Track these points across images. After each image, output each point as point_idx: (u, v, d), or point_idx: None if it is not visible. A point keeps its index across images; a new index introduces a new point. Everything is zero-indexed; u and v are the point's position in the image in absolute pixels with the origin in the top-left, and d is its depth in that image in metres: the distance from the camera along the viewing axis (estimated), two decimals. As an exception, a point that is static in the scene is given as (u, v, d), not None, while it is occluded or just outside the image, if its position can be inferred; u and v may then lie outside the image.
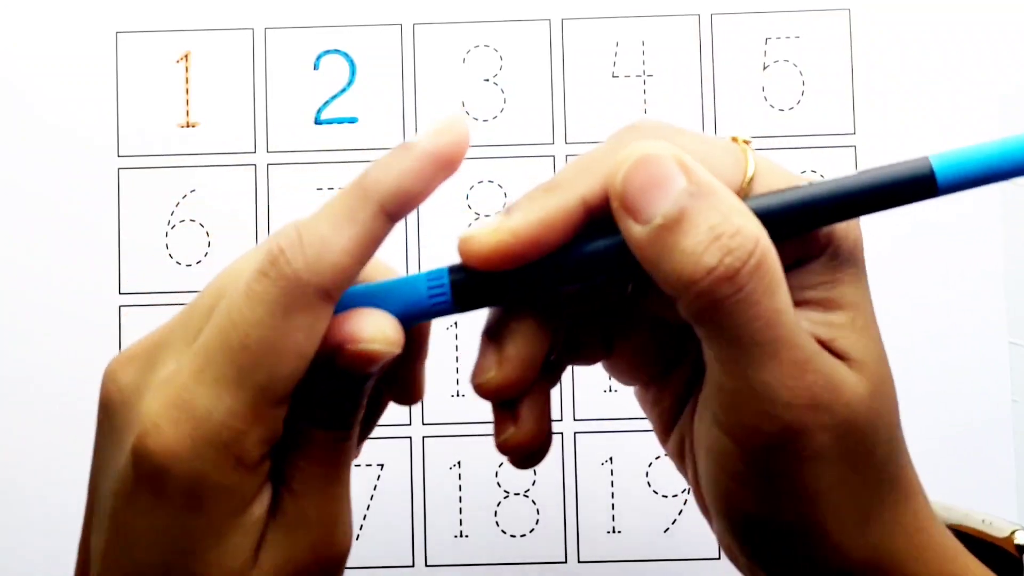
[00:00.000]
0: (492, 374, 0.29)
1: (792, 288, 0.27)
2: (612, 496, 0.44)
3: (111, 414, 0.28)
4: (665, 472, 0.44)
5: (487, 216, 0.45)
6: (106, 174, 0.45)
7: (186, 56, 0.46)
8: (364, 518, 0.44)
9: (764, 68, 0.45)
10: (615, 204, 0.27)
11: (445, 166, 0.29)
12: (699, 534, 0.44)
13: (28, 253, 0.45)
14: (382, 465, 0.44)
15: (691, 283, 0.26)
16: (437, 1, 0.46)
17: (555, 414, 0.44)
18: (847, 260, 0.28)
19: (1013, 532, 0.33)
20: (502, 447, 0.30)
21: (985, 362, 0.44)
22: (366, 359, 0.27)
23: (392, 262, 0.45)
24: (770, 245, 0.26)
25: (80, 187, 0.45)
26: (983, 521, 0.34)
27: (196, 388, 0.26)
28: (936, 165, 0.27)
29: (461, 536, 0.44)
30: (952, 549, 0.29)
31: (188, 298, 0.45)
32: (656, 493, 0.44)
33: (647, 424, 0.45)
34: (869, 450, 0.28)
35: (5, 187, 0.45)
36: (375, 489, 0.44)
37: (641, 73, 0.45)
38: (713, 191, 0.26)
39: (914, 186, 0.27)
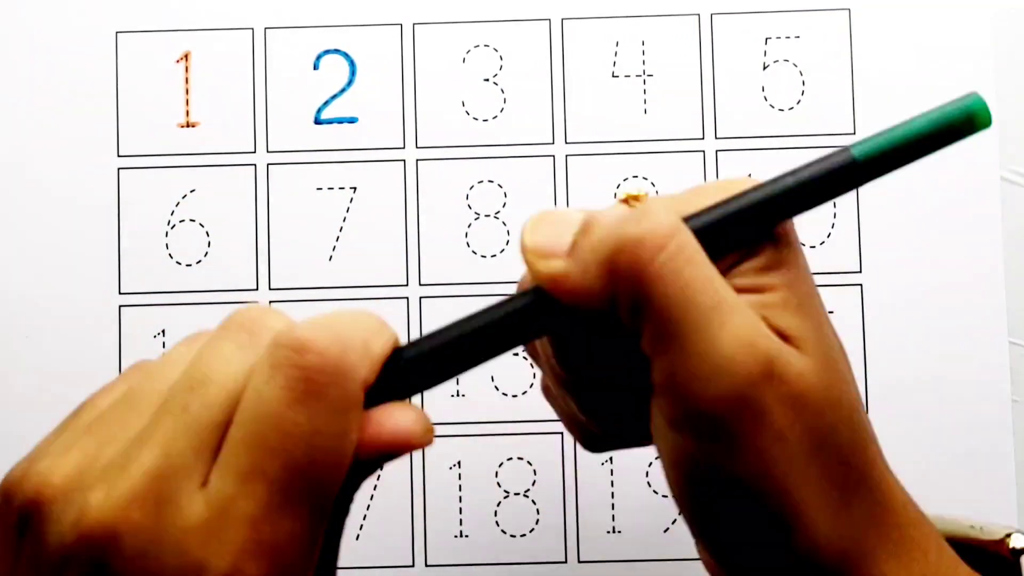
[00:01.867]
0: None
1: (728, 280, 0.27)
2: (612, 496, 0.44)
3: (126, 566, 0.24)
4: (665, 472, 0.44)
5: (487, 216, 0.45)
6: (106, 174, 0.45)
7: (186, 56, 0.46)
8: (364, 518, 0.44)
9: (764, 68, 0.45)
10: (527, 258, 0.28)
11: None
12: (699, 534, 0.44)
13: (28, 253, 0.45)
14: (382, 465, 0.44)
15: (616, 255, 0.26)
16: (437, 1, 0.46)
17: (554, 414, 0.44)
18: (778, 244, 0.28)
19: (1007, 536, 0.33)
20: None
21: (985, 362, 0.44)
22: (407, 448, 0.27)
23: (392, 262, 0.45)
24: (682, 227, 0.26)
25: (80, 187, 0.45)
26: (972, 527, 0.33)
27: (268, 515, 0.24)
28: (856, 152, 0.27)
29: (461, 536, 0.44)
30: (936, 553, 0.28)
31: (188, 298, 0.45)
32: (656, 493, 0.44)
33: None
34: (828, 430, 0.27)
35: (5, 187, 0.45)
36: (375, 489, 0.44)
37: (641, 73, 0.45)
38: (596, 216, 0.27)
39: (838, 176, 0.28)
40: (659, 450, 0.29)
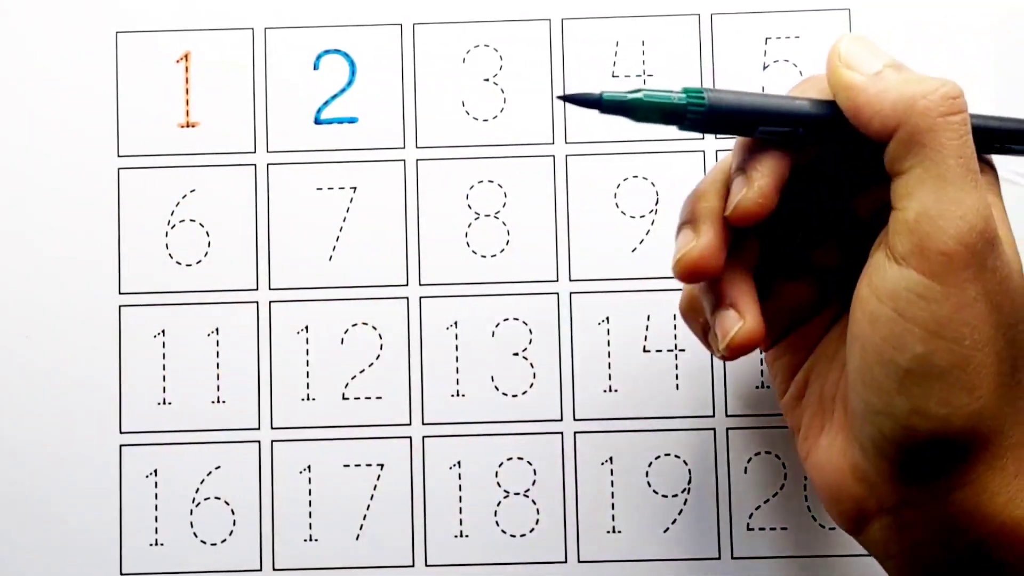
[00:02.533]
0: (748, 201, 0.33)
1: None
2: (612, 496, 0.44)
3: None
4: (665, 472, 0.44)
5: (487, 216, 0.45)
6: (106, 174, 0.45)
7: (186, 56, 0.46)
8: (364, 518, 0.44)
9: (764, 68, 0.45)
10: (835, 62, 0.33)
11: None
12: (699, 534, 0.44)
13: (28, 253, 0.45)
14: (382, 465, 0.44)
15: (920, 98, 0.31)
16: (437, 1, 0.46)
17: (555, 414, 0.44)
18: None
19: None
20: (731, 346, 0.34)
21: (985, 362, 0.44)
22: None
23: (392, 262, 0.45)
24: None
25: (80, 187, 0.45)
26: None
27: None
28: None
29: (461, 536, 0.44)
30: None
31: (188, 298, 0.45)
32: (656, 493, 0.44)
33: (647, 424, 0.45)
34: (1015, 320, 0.31)
35: (5, 187, 0.45)
36: (375, 489, 0.44)
37: (641, 73, 0.45)
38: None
39: None
40: (856, 312, 0.32)
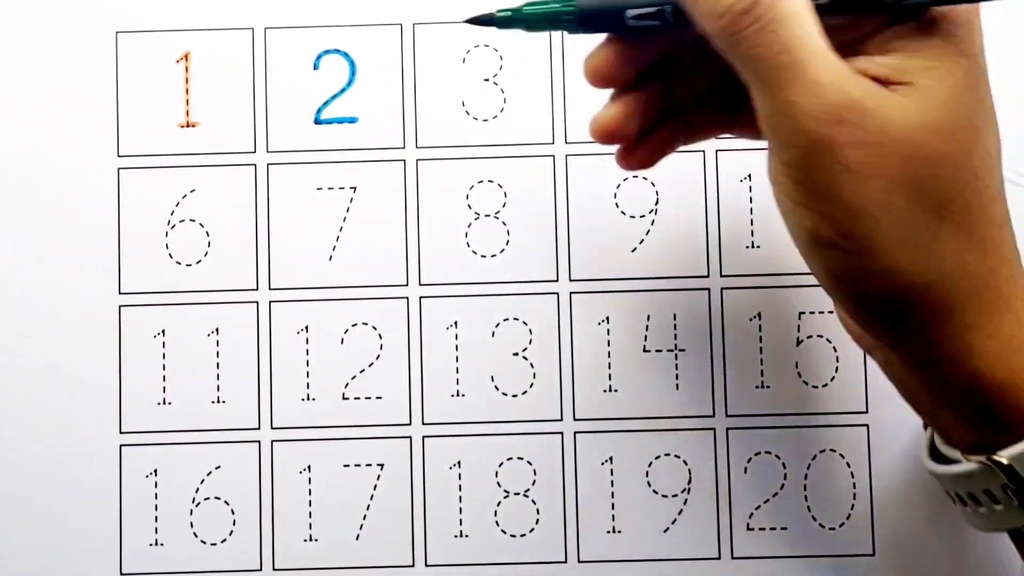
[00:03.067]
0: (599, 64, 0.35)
1: (873, 44, 0.31)
2: (612, 496, 0.44)
3: None
4: (665, 472, 0.44)
5: (487, 216, 0.45)
6: (106, 174, 0.45)
7: (186, 56, 0.46)
8: (364, 518, 0.44)
9: (764, 68, 0.45)
10: None
11: None
12: (699, 534, 0.44)
13: (28, 253, 0.45)
14: (382, 465, 0.44)
15: (716, 19, 0.31)
16: (437, 1, 0.46)
17: (555, 414, 0.44)
18: (948, 34, 0.32)
19: None
20: (592, 125, 0.36)
21: (985, 362, 0.44)
22: None
23: (392, 262, 0.45)
24: None
25: (80, 187, 0.45)
26: None
27: None
28: None
29: (461, 536, 0.44)
30: None
31: (188, 298, 0.45)
32: (656, 493, 0.44)
33: (647, 424, 0.45)
34: (918, 175, 0.30)
35: (5, 187, 0.45)
36: (375, 489, 0.44)
37: (641, 73, 0.45)
38: None
39: None
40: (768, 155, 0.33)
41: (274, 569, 0.44)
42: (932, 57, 0.31)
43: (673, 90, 0.37)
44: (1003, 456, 0.32)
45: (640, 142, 0.37)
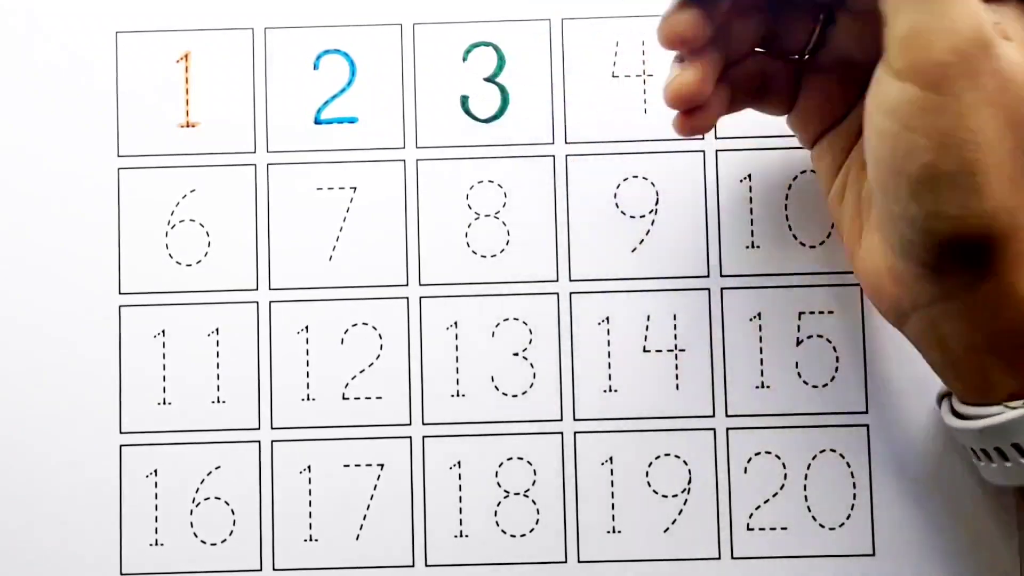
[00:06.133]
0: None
1: None
2: (612, 496, 0.44)
3: None
4: (665, 472, 0.44)
5: (487, 216, 0.45)
6: (106, 174, 0.45)
7: (186, 56, 0.46)
8: (364, 518, 0.44)
9: (764, 68, 0.45)
10: None
11: None
12: (699, 534, 0.44)
13: (28, 253, 0.45)
14: (382, 465, 0.44)
15: None
16: (437, 1, 0.46)
17: (555, 414, 0.44)
18: None
19: None
20: (672, 95, 0.37)
21: (985, 362, 0.44)
22: None
23: (392, 262, 0.45)
24: None
25: (80, 187, 0.45)
26: None
27: None
28: None
29: (461, 536, 0.44)
30: None
31: (188, 298, 0.45)
32: (656, 493, 0.44)
33: (647, 424, 0.45)
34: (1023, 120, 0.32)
35: (5, 187, 0.45)
36: (375, 489, 0.44)
37: (641, 73, 0.45)
38: None
39: None
40: (869, 117, 0.33)
41: (274, 569, 0.44)
42: (1019, 15, 0.33)
43: (729, 52, 0.37)
44: None
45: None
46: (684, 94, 0.36)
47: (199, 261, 0.45)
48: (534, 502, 0.44)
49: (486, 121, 0.45)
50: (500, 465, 0.44)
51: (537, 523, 0.44)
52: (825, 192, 0.40)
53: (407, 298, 0.45)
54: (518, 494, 0.44)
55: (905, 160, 0.32)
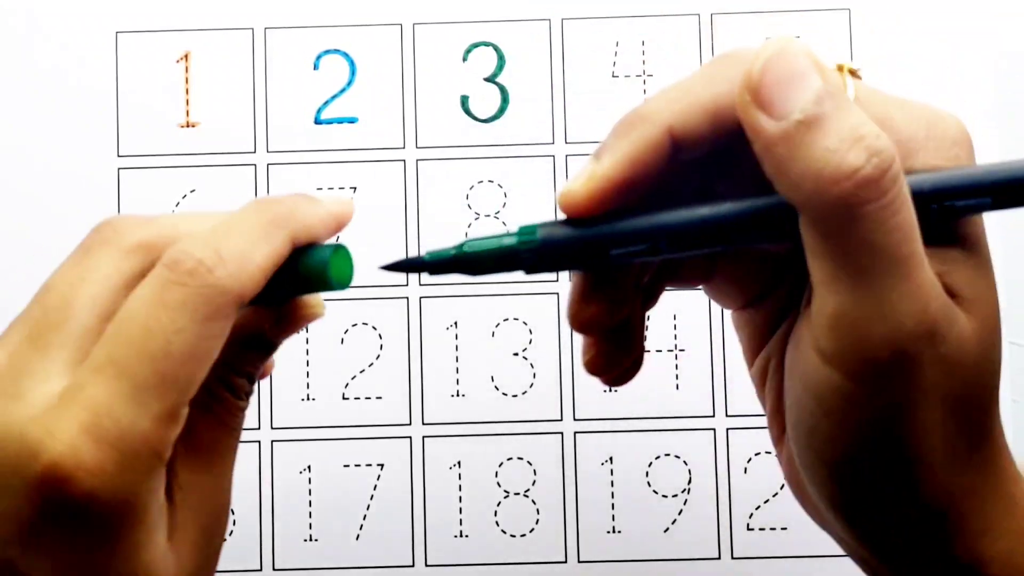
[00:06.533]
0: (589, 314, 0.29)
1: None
2: (612, 496, 0.44)
3: None
4: (665, 472, 0.44)
5: (487, 216, 0.45)
6: (106, 174, 0.45)
7: (186, 56, 0.46)
8: (364, 518, 0.44)
9: (764, 68, 0.45)
10: (746, 98, 0.25)
11: (339, 227, 0.31)
12: (699, 534, 0.44)
13: (28, 253, 0.45)
14: (382, 465, 0.44)
15: (831, 184, 0.24)
16: (437, 1, 0.46)
17: (555, 414, 0.44)
18: (976, 240, 0.28)
19: None
20: (587, 367, 0.31)
21: (985, 362, 0.44)
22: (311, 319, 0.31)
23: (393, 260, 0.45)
24: (899, 166, 0.25)
25: (80, 187, 0.45)
26: None
27: (114, 402, 0.25)
28: None
29: (461, 536, 0.44)
30: None
31: (188, 298, 0.45)
32: (656, 493, 0.44)
33: (647, 424, 0.45)
34: (973, 394, 0.27)
35: (5, 187, 0.45)
36: (375, 489, 0.44)
37: (641, 73, 0.45)
38: (846, 95, 0.26)
39: None
40: (790, 366, 0.29)
41: (274, 569, 0.44)
42: (973, 267, 0.27)
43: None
44: None
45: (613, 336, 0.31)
46: (570, 203, 0.28)
47: (199, 261, 0.45)
48: (534, 502, 0.44)
49: (486, 121, 0.45)
50: (500, 465, 0.44)
51: (537, 523, 0.44)
52: (747, 364, 0.33)
53: (407, 298, 0.45)
54: (518, 494, 0.44)
55: (824, 447, 0.27)
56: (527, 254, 0.28)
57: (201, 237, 0.27)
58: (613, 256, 0.27)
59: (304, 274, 0.29)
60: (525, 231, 0.28)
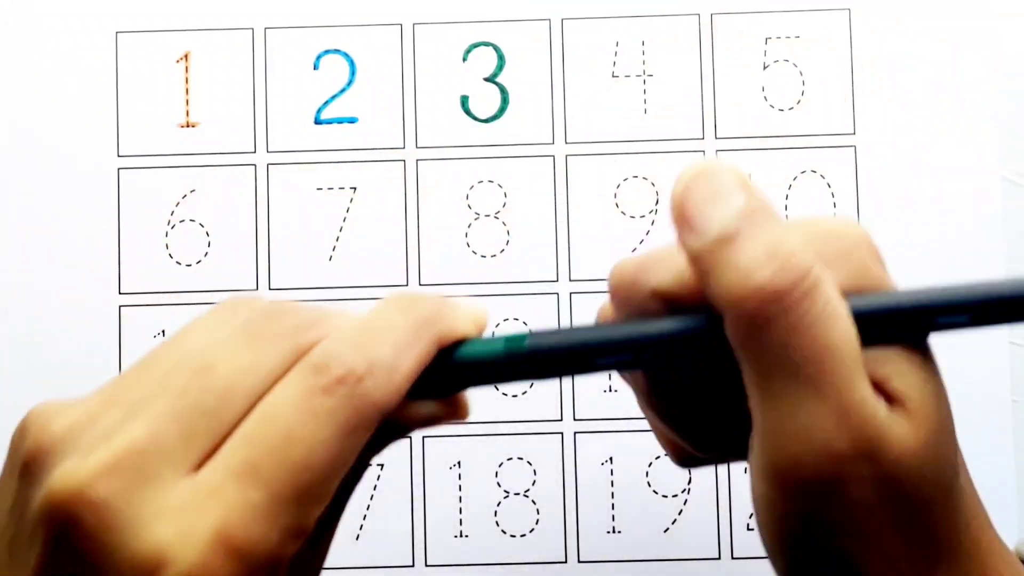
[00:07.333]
0: None
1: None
2: (612, 496, 0.44)
3: (85, 540, 0.23)
4: (665, 472, 0.44)
5: (487, 216, 0.45)
6: (106, 174, 0.45)
7: (186, 56, 0.46)
8: (364, 518, 0.44)
9: (764, 68, 0.45)
10: (674, 215, 0.26)
11: (479, 333, 0.29)
12: (699, 534, 0.44)
13: (28, 253, 0.45)
14: (382, 465, 0.44)
15: (740, 300, 0.24)
16: (437, 1, 0.46)
17: (555, 414, 0.44)
18: (925, 348, 0.28)
19: None
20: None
21: (985, 362, 0.44)
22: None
23: (392, 262, 0.45)
24: (827, 275, 0.25)
25: (80, 187, 0.45)
26: None
27: (248, 512, 0.24)
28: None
29: (461, 536, 0.44)
30: None
31: (188, 298, 0.45)
32: (656, 493, 0.44)
33: (647, 424, 0.45)
34: (921, 505, 0.26)
35: (5, 187, 0.45)
36: (375, 489, 0.44)
37: (641, 73, 0.45)
38: (770, 212, 0.26)
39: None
40: (751, 478, 0.28)
41: (274, 569, 0.44)
42: (917, 369, 0.26)
43: None
44: None
45: None
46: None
47: (199, 261, 0.45)
48: (534, 502, 0.44)
49: (486, 121, 0.45)
50: (500, 465, 0.44)
51: (537, 523, 0.44)
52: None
53: (407, 298, 0.45)
54: (518, 494, 0.44)
55: (772, 552, 0.27)
56: (517, 356, 0.28)
57: (350, 340, 0.26)
58: (600, 363, 0.27)
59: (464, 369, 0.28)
60: (513, 340, 0.28)
